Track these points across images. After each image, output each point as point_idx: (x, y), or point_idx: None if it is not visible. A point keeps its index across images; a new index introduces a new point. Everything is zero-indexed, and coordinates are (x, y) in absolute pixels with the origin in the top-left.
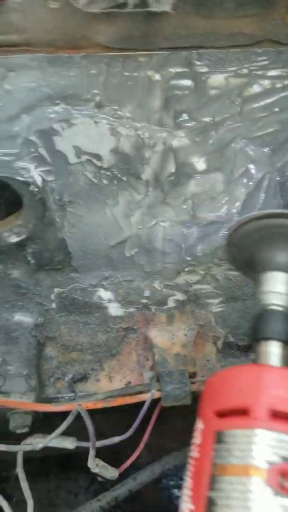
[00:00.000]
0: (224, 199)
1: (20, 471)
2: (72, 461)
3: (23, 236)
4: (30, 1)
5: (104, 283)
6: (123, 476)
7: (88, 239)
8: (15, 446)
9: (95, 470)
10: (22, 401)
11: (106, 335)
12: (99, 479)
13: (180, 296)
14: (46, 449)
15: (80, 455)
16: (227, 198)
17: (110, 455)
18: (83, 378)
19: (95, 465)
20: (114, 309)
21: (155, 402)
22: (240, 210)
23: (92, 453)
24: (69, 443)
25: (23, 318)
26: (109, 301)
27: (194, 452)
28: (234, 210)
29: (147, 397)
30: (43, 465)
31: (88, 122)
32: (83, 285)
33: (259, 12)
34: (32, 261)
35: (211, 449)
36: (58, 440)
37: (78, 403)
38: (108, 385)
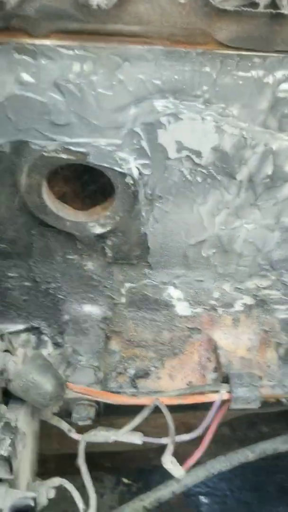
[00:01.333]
0: None
1: (81, 463)
2: (97, 461)
3: (108, 228)
4: None
5: (175, 282)
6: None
7: (169, 236)
8: (86, 435)
9: (167, 465)
10: (103, 392)
11: (171, 334)
12: (125, 481)
13: (248, 300)
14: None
15: (105, 456)
16: None
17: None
18: (145, 374)
19: (169, 461)
20: (182, 308)
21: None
22: None
23: (170, 448)
24: (137, 439)
25: (92, 310)
26: (178, 299)
27: None
28: None
29: (216, 397)
30: (70, 463)
31: (195, 118)
32: (154, 282)
33: None
34: (110, 254)
35: None
36: (127, 435)
37: (155, 397)
38: (169, 383)
